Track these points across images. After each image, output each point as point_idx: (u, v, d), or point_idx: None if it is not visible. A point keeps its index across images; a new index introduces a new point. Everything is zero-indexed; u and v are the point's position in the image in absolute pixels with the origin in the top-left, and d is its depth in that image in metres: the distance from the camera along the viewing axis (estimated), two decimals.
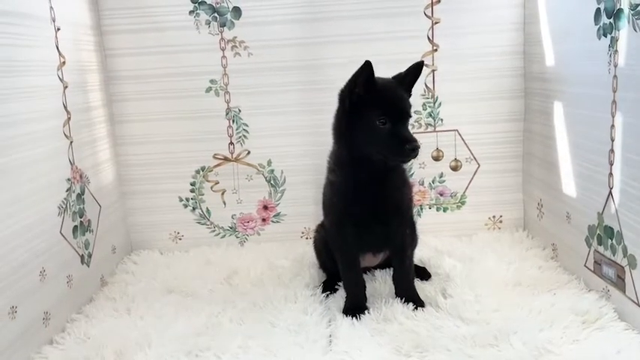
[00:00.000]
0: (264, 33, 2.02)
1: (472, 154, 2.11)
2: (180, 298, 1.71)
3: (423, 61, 1.55)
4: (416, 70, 1.54)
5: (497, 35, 2.01)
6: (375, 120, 1.44)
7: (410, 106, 1.50)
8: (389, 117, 1.44)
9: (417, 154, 1.45)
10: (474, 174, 2.12)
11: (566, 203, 1.74)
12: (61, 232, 1.60)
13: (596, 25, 1.47)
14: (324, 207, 1.70)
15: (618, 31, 1.37)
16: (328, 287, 1.72)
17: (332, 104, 1.99)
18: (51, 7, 1.62)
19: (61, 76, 1.67)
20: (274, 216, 2.18)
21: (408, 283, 1.61)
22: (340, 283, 1.70)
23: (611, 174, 1.45)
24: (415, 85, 1.55)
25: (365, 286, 1.62)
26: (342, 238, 1.60)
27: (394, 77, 1.54)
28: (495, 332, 1.36)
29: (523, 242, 2.02)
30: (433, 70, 2.04)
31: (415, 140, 1.43)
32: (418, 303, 1.56)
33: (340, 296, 1.66)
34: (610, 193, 1.46)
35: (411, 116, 1.50)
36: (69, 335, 1.51)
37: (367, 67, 1.42)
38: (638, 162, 1.32)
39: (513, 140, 2.09)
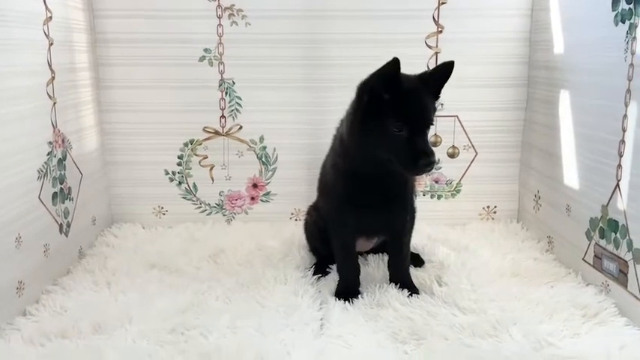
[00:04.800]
0: (263, 2, 1.93)
1: (470, 141, 2.05)
2: (163, 274, 1.63)
3: (453, 62, 1.36)
4: (445, 70, 1.37)
5: (504, 20, 1.95)
6: (390, 126, 1.31)
7: (434, 113, 1.37)
8: (407, 125, 1.30)
9: (431, 169, 1.36)
10: (471, 162, 2.07)
11: (566, 195, 1.70)
12: (39, 197, 1.50)
13: (613, 11, 1.42)
14: (322, 188, 1.63)
15: (638, 17, 1.32)
16: (319, 270, 1.65)
17: (330, 81, 1.95)
18: None
19: (46, 32, 1.56)
20: (264, 195, 2.10)
21: (404, 270, 1.56)
22: (332, 266, 1.64)
23: (619, 165, 1.40)
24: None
25: (359, 271, 1.56)
26: (341, 222, 1.53)
27: (420, 76, 1.38)
28: (494, 322, 1.31)
29: (518, 234, 1.98)
30: (437, 53, 1.98)
31: (432, 154, 1.30)
32: (412, 290, 1.51)
33: (332, 279, 1.59)
34: (617, 185, 1.41)
35: (432, 124, 1.38)
36: (43, 307, 1.42)
37: (394, 64, 1.26)
38: None
39: (513, 129, 2.04)
